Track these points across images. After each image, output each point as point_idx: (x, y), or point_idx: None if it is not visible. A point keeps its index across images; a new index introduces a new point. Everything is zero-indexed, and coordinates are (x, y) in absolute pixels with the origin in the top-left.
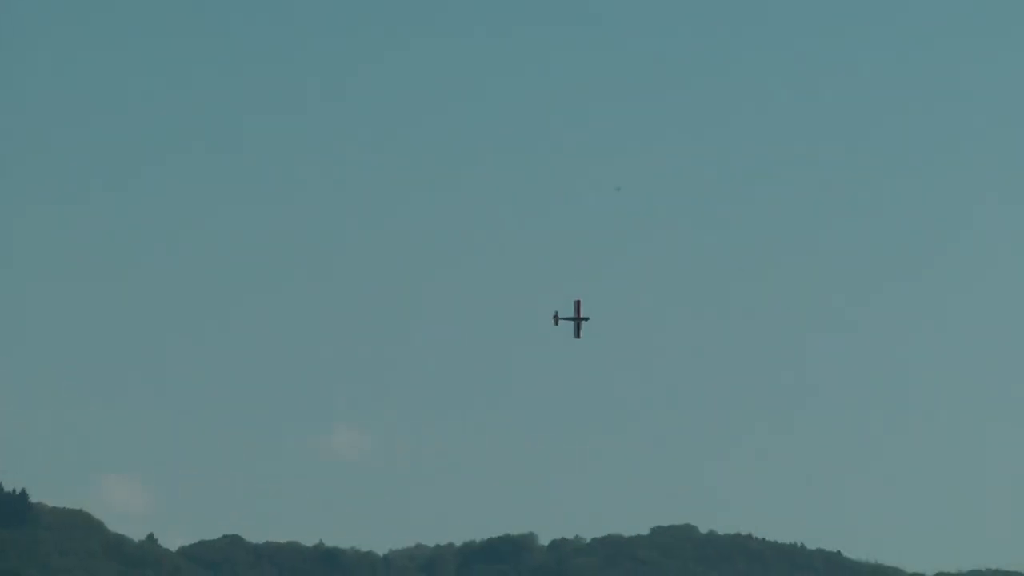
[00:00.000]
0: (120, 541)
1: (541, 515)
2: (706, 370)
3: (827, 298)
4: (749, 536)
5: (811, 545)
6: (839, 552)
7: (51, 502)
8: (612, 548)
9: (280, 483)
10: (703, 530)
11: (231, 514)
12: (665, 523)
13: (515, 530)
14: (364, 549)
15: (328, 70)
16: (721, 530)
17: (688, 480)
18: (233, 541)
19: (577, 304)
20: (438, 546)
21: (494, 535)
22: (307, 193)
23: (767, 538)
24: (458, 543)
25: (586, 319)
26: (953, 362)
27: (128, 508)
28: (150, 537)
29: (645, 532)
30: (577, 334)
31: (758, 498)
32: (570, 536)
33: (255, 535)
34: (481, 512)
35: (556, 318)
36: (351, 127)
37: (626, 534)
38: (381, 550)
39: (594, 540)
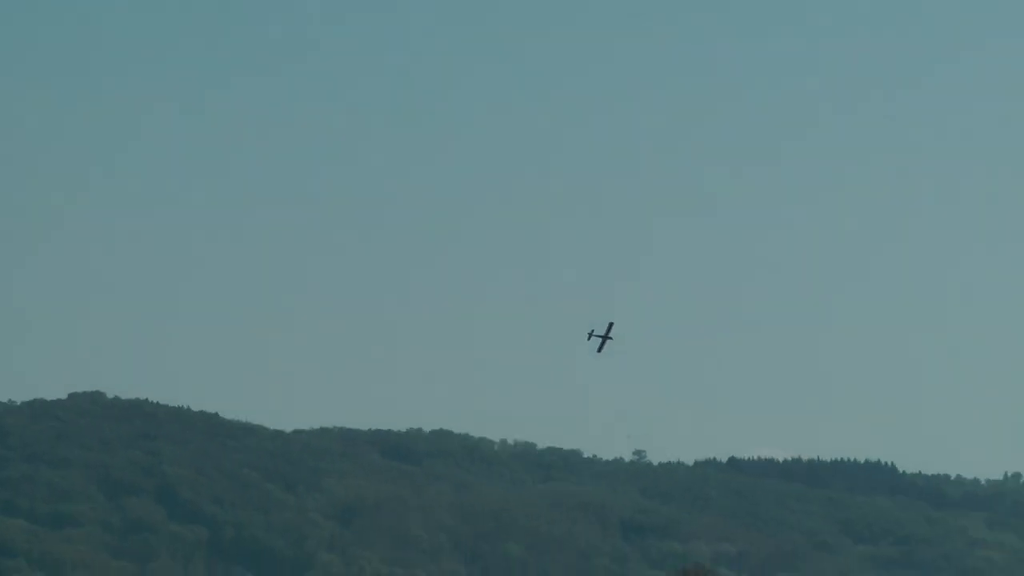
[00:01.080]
0: None
1: None
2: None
3: None
4: (146, 400)
5: (195, 408)
6: (217, 413)
7: None
8: (37, 410)
9: None
10: (110, 396)
11: None
12: (80, 390)
13: None
14: None
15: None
16: (123, 396)
17: (98, 352)
18: None
19: (610, 325)
20: None
21: None
22: None
23: (160, 402)
24: None
25: (610, 338)
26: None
27: None
28: None
29: (64, 397)
30: (600, 349)
31: (152, 367)
32: (4, 400)
33: None
34: None
35: (591, 335)
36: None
37: (48, 398)
38: None
39: (23, 403)
